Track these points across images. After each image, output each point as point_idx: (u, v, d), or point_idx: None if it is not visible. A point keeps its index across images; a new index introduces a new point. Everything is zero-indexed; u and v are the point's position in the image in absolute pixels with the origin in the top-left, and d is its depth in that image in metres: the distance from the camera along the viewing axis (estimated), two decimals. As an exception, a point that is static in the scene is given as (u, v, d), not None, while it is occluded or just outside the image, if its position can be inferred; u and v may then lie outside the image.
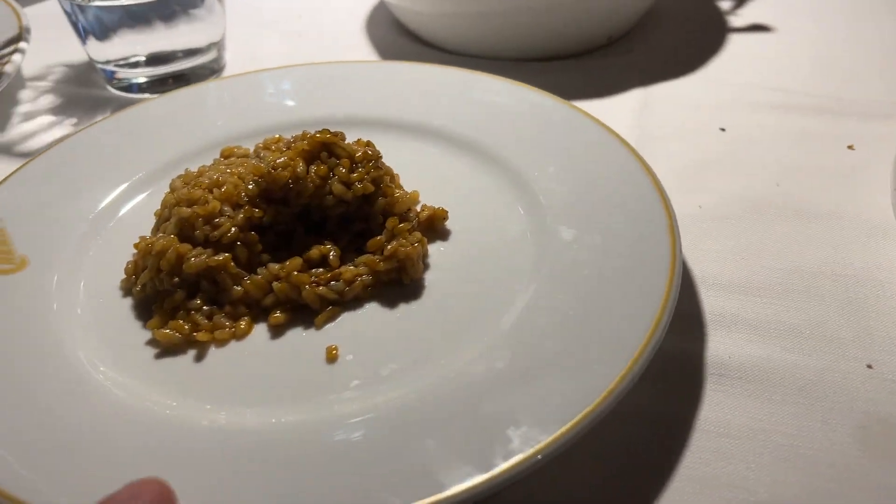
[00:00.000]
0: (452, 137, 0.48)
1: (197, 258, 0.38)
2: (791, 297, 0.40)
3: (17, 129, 0.58)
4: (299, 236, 0.40)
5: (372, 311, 0.38)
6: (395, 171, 0.44)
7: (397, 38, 0.66)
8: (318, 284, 0.38)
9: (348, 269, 0.39)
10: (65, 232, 0.43)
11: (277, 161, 0.39)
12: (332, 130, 0.41)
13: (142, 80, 0.59)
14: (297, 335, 0.37)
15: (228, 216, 0.39)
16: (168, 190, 0.44)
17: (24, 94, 0.61)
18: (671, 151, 0.50)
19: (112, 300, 0.39)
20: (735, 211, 0.45)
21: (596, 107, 0.55)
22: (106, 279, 0.40)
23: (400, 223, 0.40)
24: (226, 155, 0.47)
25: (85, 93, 0.61)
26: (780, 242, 0.43)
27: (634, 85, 0.58)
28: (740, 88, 0.57)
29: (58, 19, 0.59)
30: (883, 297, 0.39)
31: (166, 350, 0.37)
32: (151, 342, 0.37)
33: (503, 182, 0.44)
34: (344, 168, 0.40)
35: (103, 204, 0.45)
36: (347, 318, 0.38)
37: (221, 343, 0.37)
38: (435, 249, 0.41)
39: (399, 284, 0.39)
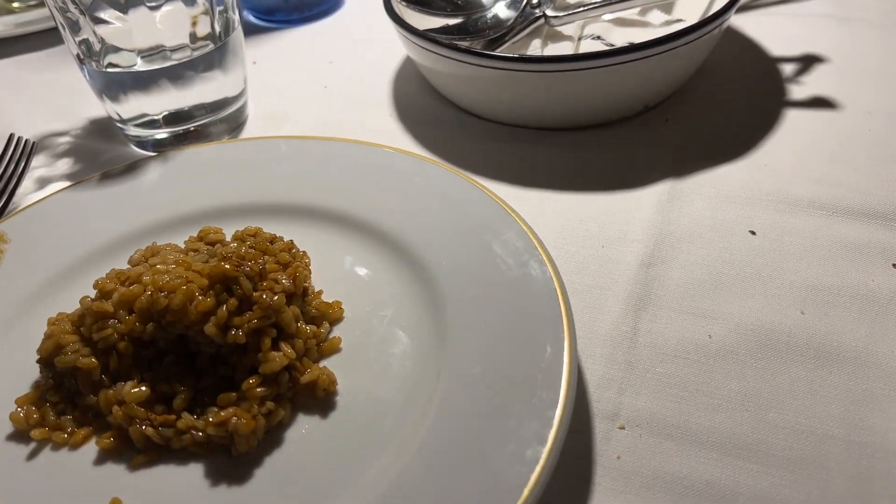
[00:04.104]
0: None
1: (70, 354, 0.38)
2: (791, 467, 0.35)
3: (27, 184, 0.58)
4: (169, 363, 0.39)
5: (192, 472, 0.36)
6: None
7: (421, 97, 0.63)
8: (151, 424, 0.37)
9: (186, 419, 0.37)
10: (41, 271, 0.46)
11: (166, 282, 0.38)
12: (245, 258, 0.39)
13: (158, 137, 0.59)
14: (108, 469, 0.37)
15: (119, 321, 0.39)
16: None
17: (44, 148, 0.62)
18: (690, 259, 0.46)
19: (32, 358, 0.40)
20: (747, 345, 0.41)
21: (621, 193, 0.51)
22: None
23: (259, 386, 0.37)
24: (202, 235, 0.46)
25: (106, 148, 0.61)
26: (791, 391, 0.39)
27: (665, 166, 0.53)
28: (783, 179, 0.51)
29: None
30: (899, 478, 0.35)
31: (16, 432, 0.38)
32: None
33: (421, 307, 0.42)
34: (229, 309, 0.38)
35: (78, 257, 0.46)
36: (163, 471, 0.36)
37: (55, 446, 0.38)
38: (306, 419, 0.38)
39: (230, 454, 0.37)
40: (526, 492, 0.31)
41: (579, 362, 0.41)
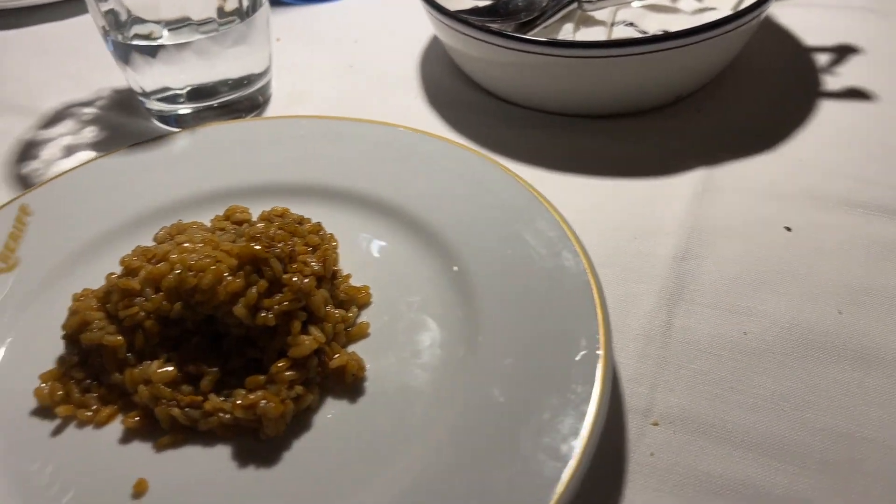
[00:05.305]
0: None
1: (96, 331, 0.38)
2: (829, 470, 0.35)
3: (45, 155, 0.58)
4: (196, 343, 0.38)
5: (218, 454, 0.36)
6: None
7: (449, 80, 0.62)
8: (177, 405, 0.36)
9: (214, 401, 0.36)
10: (64, 245, 0.45)
11: (195, 261, 0.37)
12: (274, 239, 0.38)
13: (181, 112, 0.58)
14: (133, 448, 0.36)
15: (146, 298, 0.38)
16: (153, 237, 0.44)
17: (66, 118, 0.61)
18: (724, 255, 0.45)
19: (55, 333, 0.40)
20: (783, 344, 0.40)
21: (652, 185, 0.50)
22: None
23: (288, 370, 0.37)
24: (228, 214, 0.45)
25: (127, 121, 0.60)
26: (829, 393, 0.38)
27: (697, 158, 0.52)
28: (819, 175, 0.50)
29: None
30: (940, 485, 0.34)
31: (40, 408, 0.38)
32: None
33: (452, 295, 0.41)
34: (259, 291, 0.37)
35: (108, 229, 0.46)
36: (189, 452, 0.36)
37: (80, 424, 0.37)
38: (334, 404, 0.37)
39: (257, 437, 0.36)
40: (561, 487, 0.31)
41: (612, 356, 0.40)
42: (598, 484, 0.35)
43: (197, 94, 0.57)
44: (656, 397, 0.38)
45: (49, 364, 0.40)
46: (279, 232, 0.40)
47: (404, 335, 0.40)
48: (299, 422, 0.37)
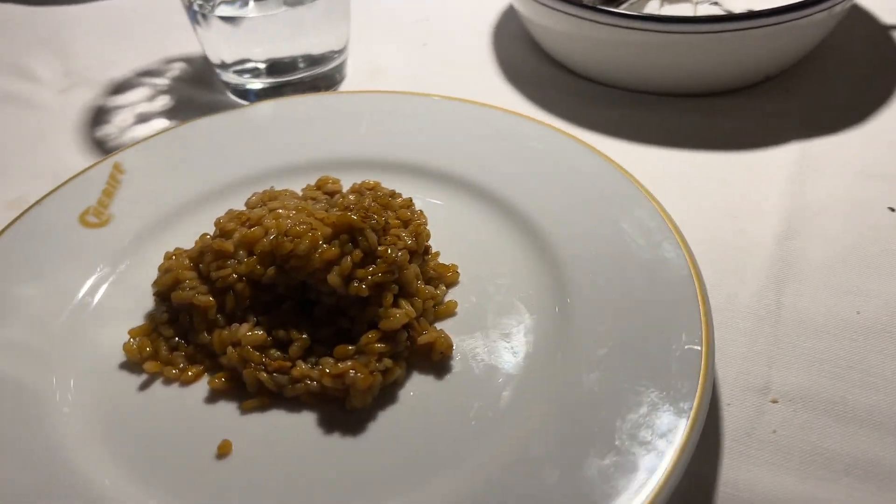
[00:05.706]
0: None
1: (187, 290, 0.38)
2: (961, 452, 0.34)
3: (120, 124, 0.57)
4: (286, 309, 0.38)
5: (303, 421, 0.35)
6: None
7: (526, 56, 0.61)
8: (265, 369, 0.36)
9: (302, 368, 0.35)
10: (156, 205, 0.44)
11: (291, 228, 0.37)
12: (369, 211, 0.38)
13: (256, 86, 0.57)
14: (218, 409, 0.36)
15: (238, 261, 0.38)
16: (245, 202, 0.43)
17: (139, 86, 0.61)
18: (829, 235, 0.44)
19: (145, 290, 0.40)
20: (900, 324, 0.39)
21: (746, 164, 0.49)
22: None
23: (378, 342, 0.36)
24: (320, 185, 0.45)
25: (201, 94, 0.59)
26: (953, 374, 0.37)
27: (790, 138, 0.51)
28: (917, 154, 0.49)
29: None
30: None
31: (127, 362, 0.37)
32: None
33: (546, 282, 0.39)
34: (353, 260, 0.36)
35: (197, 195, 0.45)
36: (274, 417, 0.35)
37: (166, 381, 0.37)
38: (420, 380, 0.36)
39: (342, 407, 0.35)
40: (659, 481, 0.29)
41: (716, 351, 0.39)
42: (722, 459, 0.34)
43: (276, 68, 0.56)
44: (773, 375, 0.37)
45: (137, 320, 0.39)
46: (373, 204, 0.39)
47: (492, 317, 0.39)
48: (385, 395, 0.36)
